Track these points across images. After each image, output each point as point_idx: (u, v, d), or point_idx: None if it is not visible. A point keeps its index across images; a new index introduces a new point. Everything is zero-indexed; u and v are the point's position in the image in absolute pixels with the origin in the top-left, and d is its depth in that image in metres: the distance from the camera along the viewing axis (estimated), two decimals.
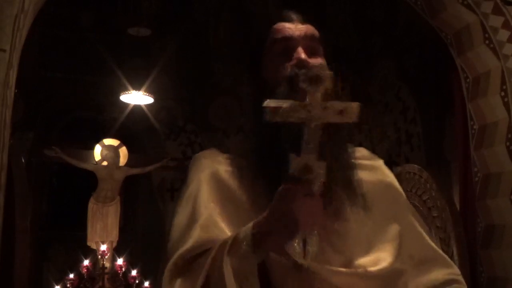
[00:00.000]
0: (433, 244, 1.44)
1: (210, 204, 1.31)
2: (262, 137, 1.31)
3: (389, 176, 1.50)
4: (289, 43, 1.36)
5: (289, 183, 1.07)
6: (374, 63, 6.50)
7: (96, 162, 7.16)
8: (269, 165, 1.27)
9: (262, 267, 1.18)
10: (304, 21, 1.41)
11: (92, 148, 7.22)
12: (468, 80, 3.88)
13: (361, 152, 1.50)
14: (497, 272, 3.60)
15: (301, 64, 1.30)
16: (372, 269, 1.27)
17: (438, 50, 4.37)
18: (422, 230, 1.45)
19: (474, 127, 3.83)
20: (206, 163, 1.41)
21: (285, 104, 1.04)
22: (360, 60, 6.64)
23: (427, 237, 1.44)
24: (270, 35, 1.40)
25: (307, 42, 1.36)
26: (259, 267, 1.16)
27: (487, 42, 3.66)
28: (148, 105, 7.35)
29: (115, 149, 7.23)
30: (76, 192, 8.33)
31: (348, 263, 1.27)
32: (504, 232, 3.57)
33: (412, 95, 6.10)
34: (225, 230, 1.27)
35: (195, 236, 1.26)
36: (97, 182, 7.20)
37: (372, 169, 1.46)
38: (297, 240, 1.10)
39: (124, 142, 7.34)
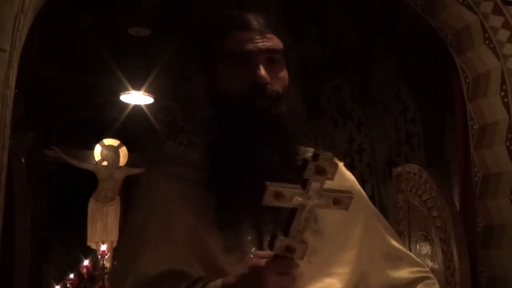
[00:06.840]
0: (396, 244, 1.41)
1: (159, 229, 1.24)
2: (216, 148, 1.27)
3: (349, 180, 1.44)
4: (248, 57, 1.26)
5: (268, 259, 1.07)
6: (374, 63, 6.49)
7: (96, 162, 7.17)
8: (220, 182, 1.23)
9: None
10: (267, 27, 1.29)
11: (92, 148, 7.23)
12: (468, 80, 3.87)
13: None
14: (497, 272, 3.60)
15: (260, 82, 1.24)
16: None
17: (438, 50, 4.36)
18: (384, 231, 1.42)
19: (474, 127, 3.83)
20: (156, 179, 1.31)
21: (286, 189, 1.05)
22: (360, 60, 6.64)
23: (388, 237, 1.41)
24: (226, 44, 1.28)
25: (267, 55, 1.27)
26: None
27: (487, 42, 3.66)
28: (148, 105, 7.35)
29: (115, 149, 7.24)
30: (76, 192, 8.34)
31: None
32: (504, 232, 3.57)
33: (412, 95, 6.10)
34: (174, 258, 1.21)
35: (144, 266, 1.20)
36: (97, 182, 7.20)
37: None
38: None
39: (124, 142, 7.34)
